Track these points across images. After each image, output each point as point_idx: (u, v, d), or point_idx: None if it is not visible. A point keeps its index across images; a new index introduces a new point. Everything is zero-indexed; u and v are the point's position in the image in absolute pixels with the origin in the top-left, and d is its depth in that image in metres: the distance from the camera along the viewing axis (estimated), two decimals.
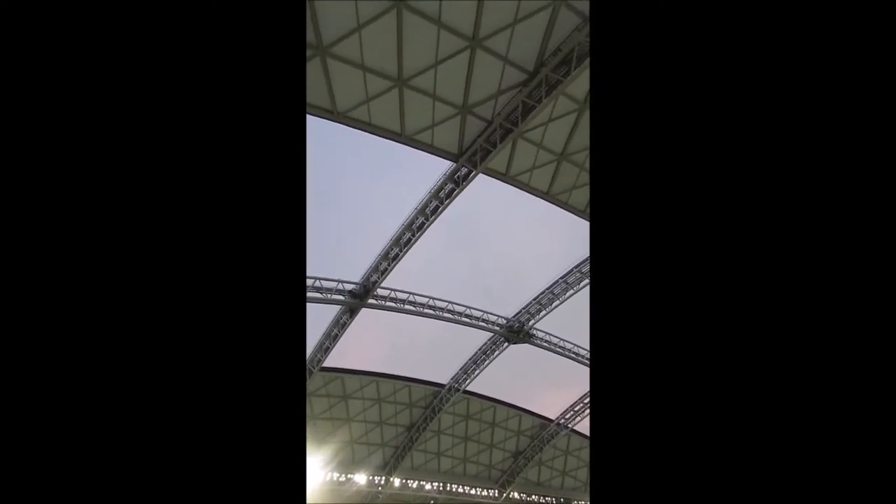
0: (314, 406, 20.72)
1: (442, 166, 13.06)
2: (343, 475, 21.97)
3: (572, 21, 10.27)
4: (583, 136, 12.89)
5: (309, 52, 9.92)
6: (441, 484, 23.97)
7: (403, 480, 23.20)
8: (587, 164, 13.49)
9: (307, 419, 20.74)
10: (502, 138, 12.00)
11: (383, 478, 22.79)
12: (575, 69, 10.64)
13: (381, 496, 22.93)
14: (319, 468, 20.99)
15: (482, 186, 13.57)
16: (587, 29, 10.13)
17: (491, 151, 12.22)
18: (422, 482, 23.59)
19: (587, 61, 10.54)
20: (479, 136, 12.20)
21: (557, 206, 14.24)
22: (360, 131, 11.62)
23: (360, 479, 22.23)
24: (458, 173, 12.96)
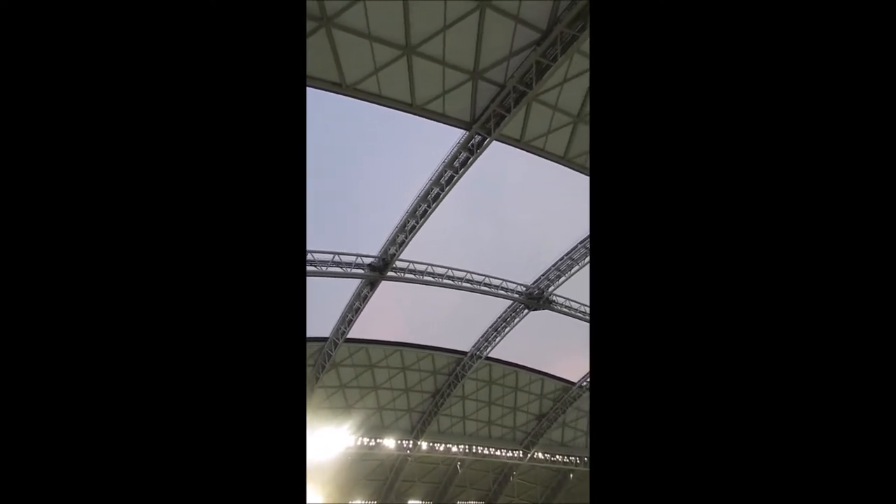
0: (342, 375, 21.43)
1: (455, 135, 12.81)
2: (373, 440, 22.91)
3: None
4: None
5: (313, 24, 9.67)
6: (467, 446, 24.80)
7: (431, 444, 24.07)
8: None
9: (337, 388, 21.56)
10: (516, 102, 11.63)
11: (411, 441, 23.68)
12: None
13: (410, 459, 23.91)
14: (350, 434, 21.93)
15: (497, 152, 13.31)
16: None
17: (505, 117, 11.89)
18: (448, 445, 24.44)
19: None
20: (491, 101, 11.85)
21: (574, 170, 13.90)
22: (369, 104, 11.42)
23: (390, 443, 23.15)
24: (472, 141, 12.70)
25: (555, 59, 10.83)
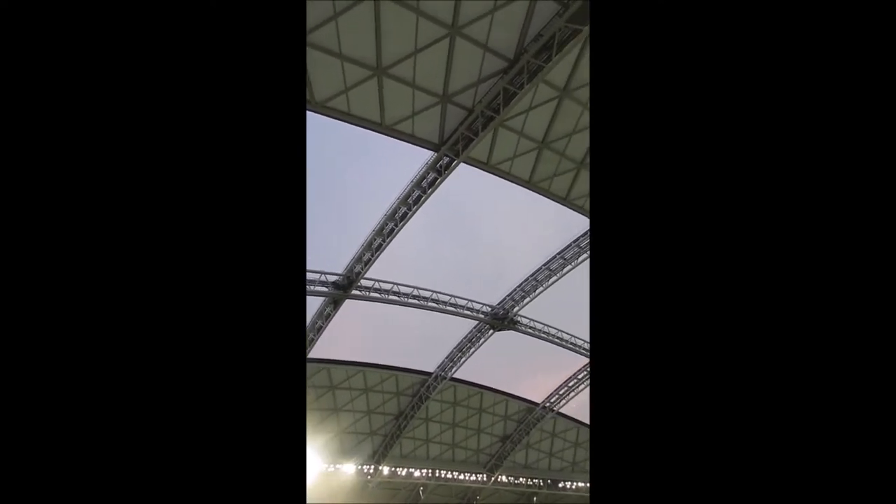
0: None
1: (424, 155, 12.96)
2: (332, 465, 22.06)
3: (552, 7, 10.20)
4: (563, 124, 12.90)
5: None
6: (430, 470, 24.27)
7: (393, 468, 23.40)
8: (568, 152, 13.53)
9: None
10: (484, 126, 11.94)
11: (372, 466, 22.96)
12: (556, 55, 10.60)
13: (370, 485, 23.13)
14: (313, 458, 21.05)
15: (465, 174, 13.54)
16: (567, 14, 10.08)
17: (472, 140, 12.16)
18: (411, 469, 23.84)
19: (567, 47, 10.51)
20: (460, 124, 12.11)
21: (539, 193, 14.30)
22: (339, 121, 11.43)
23: (349, 468, 22.35)
24: (440, 162, 12.88)
25: (521, 87, 11.24)
